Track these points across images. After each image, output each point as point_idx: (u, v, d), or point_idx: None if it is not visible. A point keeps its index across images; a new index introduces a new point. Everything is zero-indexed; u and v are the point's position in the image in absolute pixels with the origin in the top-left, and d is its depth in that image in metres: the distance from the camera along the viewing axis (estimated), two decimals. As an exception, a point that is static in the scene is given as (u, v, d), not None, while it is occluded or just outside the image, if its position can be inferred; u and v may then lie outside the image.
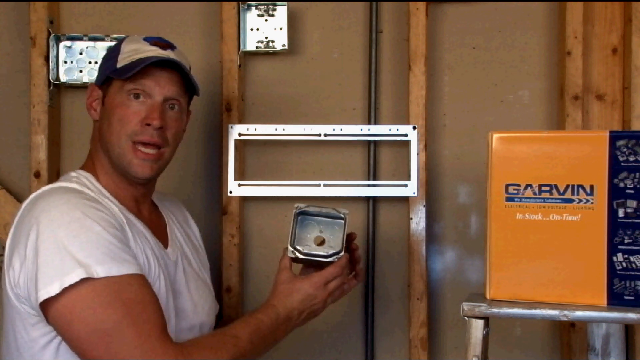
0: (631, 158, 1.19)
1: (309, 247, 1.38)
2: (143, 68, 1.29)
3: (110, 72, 1.33)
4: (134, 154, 1.30)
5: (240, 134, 1.77)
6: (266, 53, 1.81)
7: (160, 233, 1.38)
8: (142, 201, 1.39)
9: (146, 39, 1.36)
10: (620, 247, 1.20)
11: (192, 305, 1.36)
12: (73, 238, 1.15)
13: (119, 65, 1.32)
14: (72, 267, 1.12)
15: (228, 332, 1.26)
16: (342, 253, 1.36)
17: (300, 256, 1.37)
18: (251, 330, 1.26)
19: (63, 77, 1.78)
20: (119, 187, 1.34)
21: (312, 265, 1.40)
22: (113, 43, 1.77)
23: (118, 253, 1.17)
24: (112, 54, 1.36)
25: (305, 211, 1.41)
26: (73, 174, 1.33)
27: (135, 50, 1.33)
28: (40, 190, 1.26)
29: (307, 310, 1.34)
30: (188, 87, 1.38)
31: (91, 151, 1.37)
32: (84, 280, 1.12)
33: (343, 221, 1.42)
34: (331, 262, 1.37)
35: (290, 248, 1.36)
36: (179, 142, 1.38)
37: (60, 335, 1.18)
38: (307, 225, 1.41)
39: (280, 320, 1.31)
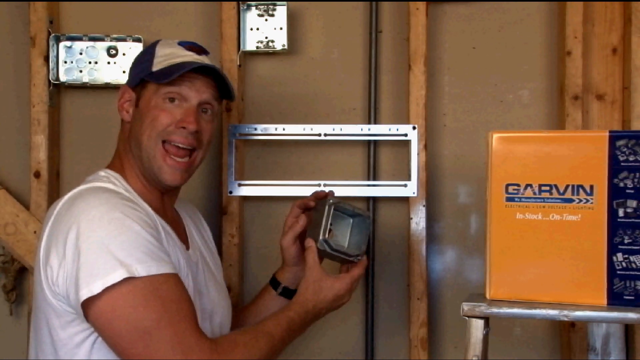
0: (631, 158, 1.19)
1: (334, 242, 1.40)
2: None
3: (146, 75, 1.34)
4: (164, 160, 1.32)
5: (240, 134, 1.77)
6: (266, 53, 1.81)
7: (182, 235, 1.39)
8: (167, 203, 1.40)
9: (181, 43, 1.38)
10: (620, 246, 1.20)
11: (212, 306, 1.37)
12: (114, 238, 1.16)
13: (155, 68, 1.33)
14: (114, 267, 1.14)
15: (261, 329, 1.28)
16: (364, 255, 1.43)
17: (329, 250, 1.38)
18: (283, 328, 1.30)
19: (63, 77, 1.78)
20: (147, 189, 1.35)
21: (330, 258, 1.42)
22: (113, 43, 1.78)
23: (156, 252, 1.19)
24: (146, 56, 1.37)
25: (338, 206, 1.41)
26: (102, 173, 1.34)
27: (170, 54, 1.35)
28: (76, 190, 1.26)
29: (333, 307, 1.41)
30: (221, 91, 1.40)
31: (119, 152, 1.38)
32: (125, 279, 1.13)
33: (368, 222, 1.46)
34: (352, 261, 1.42)
35: (320, 240, 1.37)
36: (210, 146, 1.40)
37: (100, 333, 1.19)
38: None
39: (308, 317, 1.37)
